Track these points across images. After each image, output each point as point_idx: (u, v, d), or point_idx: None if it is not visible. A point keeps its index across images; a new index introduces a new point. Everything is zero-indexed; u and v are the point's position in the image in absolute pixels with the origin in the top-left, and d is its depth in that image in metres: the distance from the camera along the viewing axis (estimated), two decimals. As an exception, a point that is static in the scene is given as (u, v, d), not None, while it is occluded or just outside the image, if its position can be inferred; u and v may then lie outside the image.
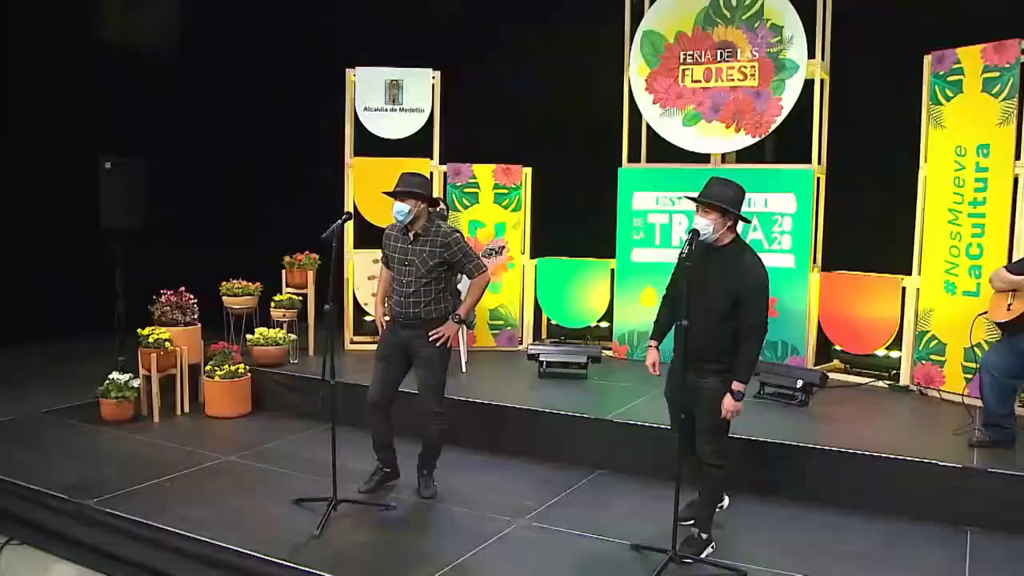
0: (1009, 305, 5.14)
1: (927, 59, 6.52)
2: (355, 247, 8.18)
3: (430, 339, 4.92)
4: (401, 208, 4.90)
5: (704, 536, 4.39)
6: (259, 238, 8.51)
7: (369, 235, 8.09)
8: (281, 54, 8.77)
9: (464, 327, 7.41)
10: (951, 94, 6.37)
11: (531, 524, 4.79)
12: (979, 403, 5.48)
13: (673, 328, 4.39)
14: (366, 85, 8.04)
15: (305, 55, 8.75)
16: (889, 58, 6.89)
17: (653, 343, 4.51)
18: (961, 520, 4.76)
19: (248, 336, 7.30)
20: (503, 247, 7.30)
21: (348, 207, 8.12)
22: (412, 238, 4.93)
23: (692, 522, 4.48)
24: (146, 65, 8.58)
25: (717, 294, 4.17)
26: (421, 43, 8.37)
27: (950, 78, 6.36)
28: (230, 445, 6.15)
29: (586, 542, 4.57)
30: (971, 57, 6.20)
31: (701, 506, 4.44)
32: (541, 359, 7.04)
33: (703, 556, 4.31)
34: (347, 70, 8.08)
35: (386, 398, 5.04)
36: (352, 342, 8.25)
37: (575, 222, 8.31)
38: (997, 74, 6.05)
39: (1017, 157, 5.98)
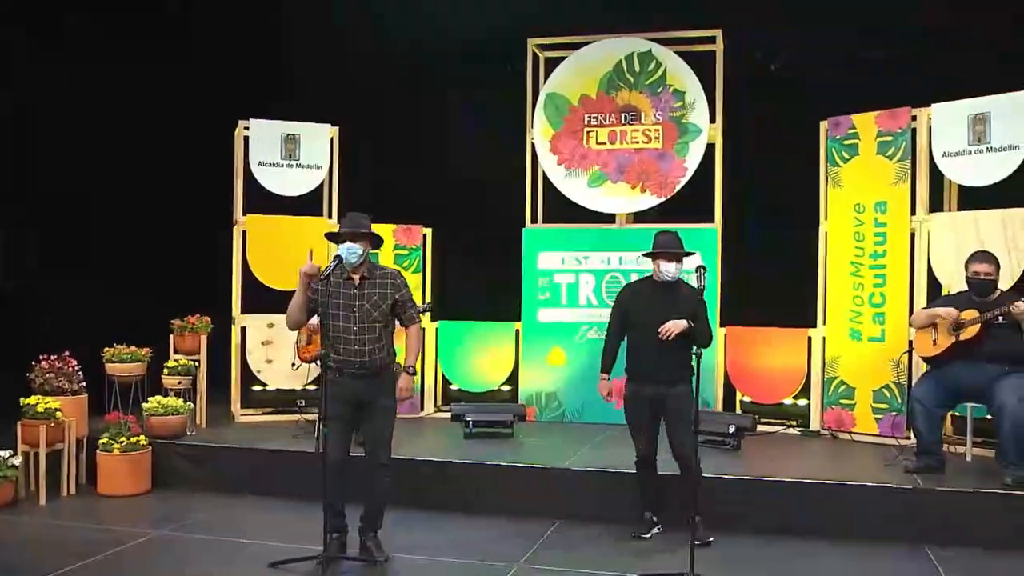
0: (934, 340, 6.03)
1: (823, 125, 7.56)
2: (244, 311, 8.09)
3: (400, 398, 5.05)
4: (355, 249, 4.95)
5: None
6: (136, 301, 8.26)
7: (262, 297, 8.09)
8: (167, 104, 8.67)
9: None
10: (848, 156, 7.40)
11: (528, 567, 5.05)
12: (891, 440, 6.56)
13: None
14: (260, 139, 8.11)
15: (194, 106, 8.69)
16: (786, 122, 7.88)
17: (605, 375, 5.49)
18: (917, 539, 5.47)
19: (144, 405, 7.03)
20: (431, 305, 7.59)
21: (237, 267, 8.08)
22: (358, 281, 5.02)
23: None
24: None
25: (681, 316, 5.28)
26: (319, 97, 8.59)
27: (846, 141, 7.40)
28: (150, 521, 5.91)
29: None
30: (866, 123, 7.27)
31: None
32: (467, 419, 7.27)
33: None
34: (239, 122, 8.12)
35: (345, 459, 5.07)
36: (242, 415, 8.06)
37: (478, 284, 8.68)
38: (891, 138, 7.14)
39: (913, 212, 7.03)
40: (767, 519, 5.73)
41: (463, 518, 5.95)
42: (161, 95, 8.70)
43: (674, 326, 5.21)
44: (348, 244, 4.95)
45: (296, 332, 7.37)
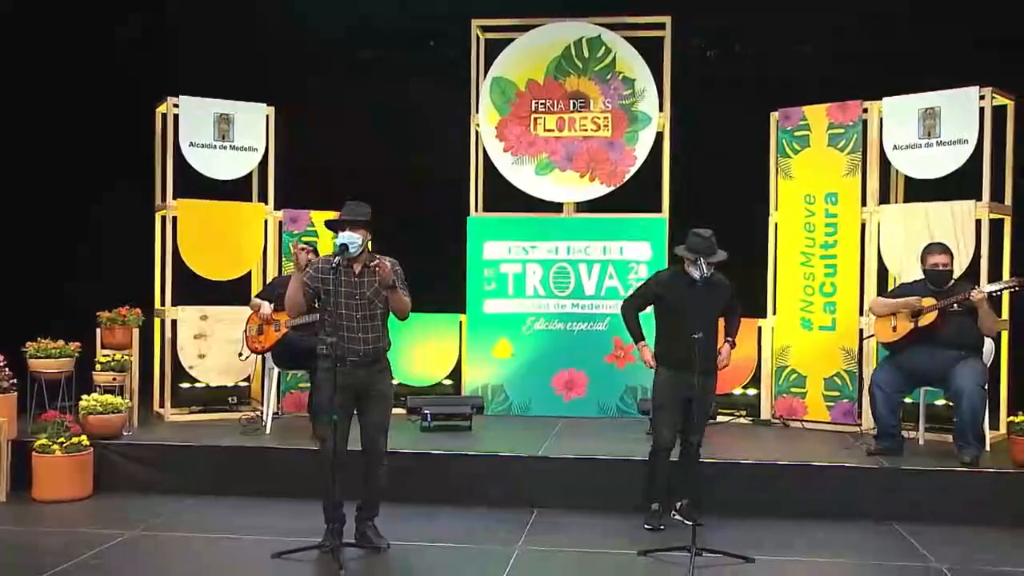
0: (894, 327, 6.92)
1: (774, 116, 8.41)
2: (176, 303, 8.33)
3: (374, 266, 5.42)
4: (354, 239, 5.48)
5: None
6: (47, 293, 8.41)
7: (195, 288, 8.38)
8: (85, 81, 8.83)
9: None
10: (799, 148, 8.27)
11: (530, 549, 5.68)
12: (843, 427, 7.60)
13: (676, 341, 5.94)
14: (191, 118, 8.35)
15: (116, 82, 8.87)
16: (736, 111, 8.70)
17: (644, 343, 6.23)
18: (884, 516, 6.33)
19: (82, 403, 7.21)
20: None
21: (162, 256, 8.32)
22: (358, 271, 5.54)
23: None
24: None
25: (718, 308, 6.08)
26: (252, 77, 8.91)
27: (797, 133, 8.27)
28: (113, 523, 6.16)
29: (598, 556, 5.60)
30: (817, 115, 8.16)
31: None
32: (424, 411, 7.77)
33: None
34: (168, 98, 8.32)
35: (346, 449, 5.53)
36: (172, 414, 8.29)
37: (420, 273, 9.12)
38: (842, 130, 8.04)
39: (863, 204, 7.95)
40: (738, 501, 6.48)
41: (440, 509, 6.48)
42: (78, 69, 8.86)
43: (727, 358, 6.27)
44: (349, 233, 5.43)
45: (246, 322, 7.73)
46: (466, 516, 6.38)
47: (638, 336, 6.27)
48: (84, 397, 7.32)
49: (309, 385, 8.28)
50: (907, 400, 7.29)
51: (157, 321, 8.41)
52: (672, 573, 5.28)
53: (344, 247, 5.39)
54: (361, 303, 5.48)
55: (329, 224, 5.68)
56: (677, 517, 6.19)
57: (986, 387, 6.67)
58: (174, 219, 8.30)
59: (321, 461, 5.44)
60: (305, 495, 6.27)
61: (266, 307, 7.48)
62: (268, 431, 7.57)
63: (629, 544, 5.73)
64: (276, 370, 7.74)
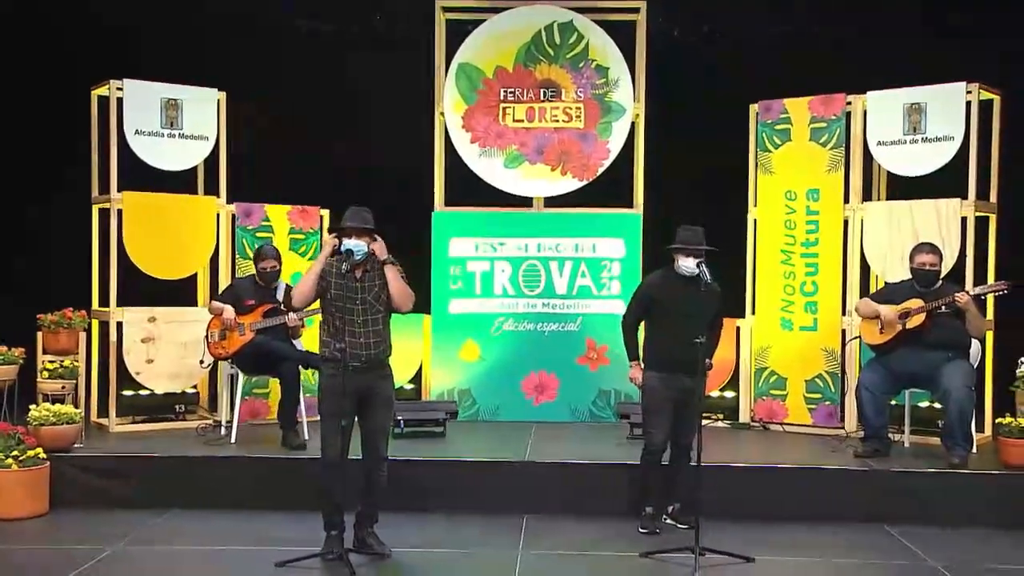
0: (881, 329, 7.70)
1: (753, 108, 9.15)
2: (121, 303, 8.71)
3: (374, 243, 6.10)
4: (360, 245, 6.10)
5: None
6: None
7: (142, 287, 8.77)
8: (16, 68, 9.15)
9: None
10: (779, 142, 9.03)
11: (534, 553, 6.33)
12: (825, 430, 8.42)
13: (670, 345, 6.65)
14: (137, 104, 8.69)
15: (50, 68, 9.20)
16: (714, 103, 9.43)
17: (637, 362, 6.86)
18: (874, 518, 7.11)
19: (32, 413, 7.55)
20: None
21: (103, 253, 8.69)
22: (359, 275, 6.14)
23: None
24: None
25: (708, 311, 6.75)
26: (201, 61, 9.33)
27: (778, 127, 9.03)
28: (88, 539, 6.56)
29: (602, 559, 6.30)
30: (799, 108, 8.92)
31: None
32: (397, 417, 8.30)
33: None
34: (111, 81, 8.63)
35: (347, 455, 6.14)
36: (116, 424, 8.67)
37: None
38: (824, 124, 8.82)
39: (846, 200, 8.73)
40: (727, 504, 7.07)
41: (427, 516, 7.07)
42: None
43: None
44: (355, 240, 6.01)
45: (207, 327, 8.18)
46: (457, 522, 6.98)
47: (633, 354, 6.94)
48: (33, 407, 7.68)
49: (266, 392, 8.88)
50: (892, 402, 8.09)
51: (96, 323, 8.77)
52: (679, 573, 5.99)
53: (350, 252, 5.98)
54: (363, 307, 6.07)
55: (332, 231, 6.24)
56: (669, 521, 6.90)
57: (974, 388, 7.49)
58: (119, 213, 8.65)
59: (324, 466, 6.03)
60: (285, 504, 7.02)
61: (229, 311, 7.96)
62: (233, 440, 8.02)
63: (627, 547, 6.43)
64: (239, 376, 8.19)
